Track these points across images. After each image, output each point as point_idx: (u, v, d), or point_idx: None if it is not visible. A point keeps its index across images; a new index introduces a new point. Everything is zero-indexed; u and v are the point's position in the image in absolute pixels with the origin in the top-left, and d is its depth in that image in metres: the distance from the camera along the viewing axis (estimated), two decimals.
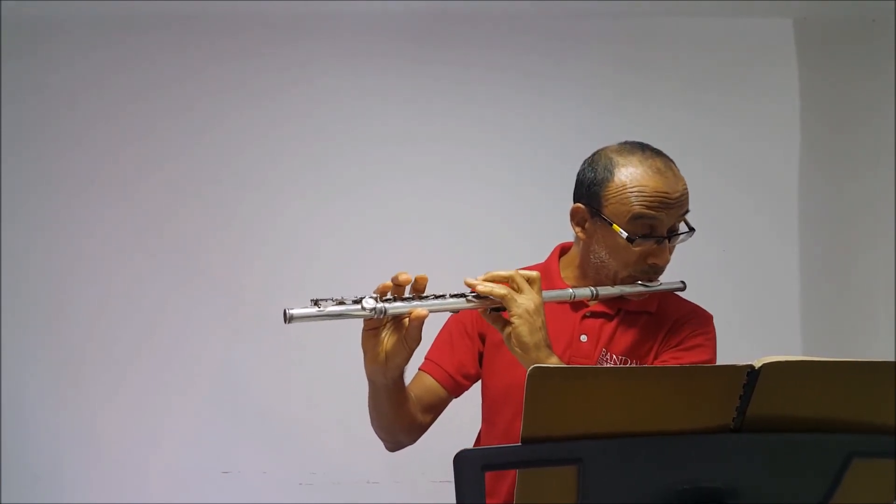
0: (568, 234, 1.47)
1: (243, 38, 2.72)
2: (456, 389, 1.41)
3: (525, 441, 0.90)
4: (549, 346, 1.18)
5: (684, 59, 2.78)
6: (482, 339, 1.42)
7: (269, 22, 2.71)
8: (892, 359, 0.92)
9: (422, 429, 1.37)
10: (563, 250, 1.48)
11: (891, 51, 2.65)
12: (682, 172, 2.84)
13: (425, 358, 1.42)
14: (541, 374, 0.88)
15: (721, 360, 0.91)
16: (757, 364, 0.89)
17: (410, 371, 1.32)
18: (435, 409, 1.39)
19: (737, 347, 2.60)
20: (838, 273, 2.76)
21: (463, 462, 0.89)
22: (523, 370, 1.30)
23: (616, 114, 2.76)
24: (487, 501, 0.91)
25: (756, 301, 2.75)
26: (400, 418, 1.31)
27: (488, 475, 0.89)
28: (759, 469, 0.94)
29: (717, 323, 2.71)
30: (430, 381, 1.39)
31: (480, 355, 1.42)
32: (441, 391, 1.39)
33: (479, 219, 2.64)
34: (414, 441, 1.38)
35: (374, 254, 2.57)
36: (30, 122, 2.68)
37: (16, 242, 2.67)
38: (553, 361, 1.18)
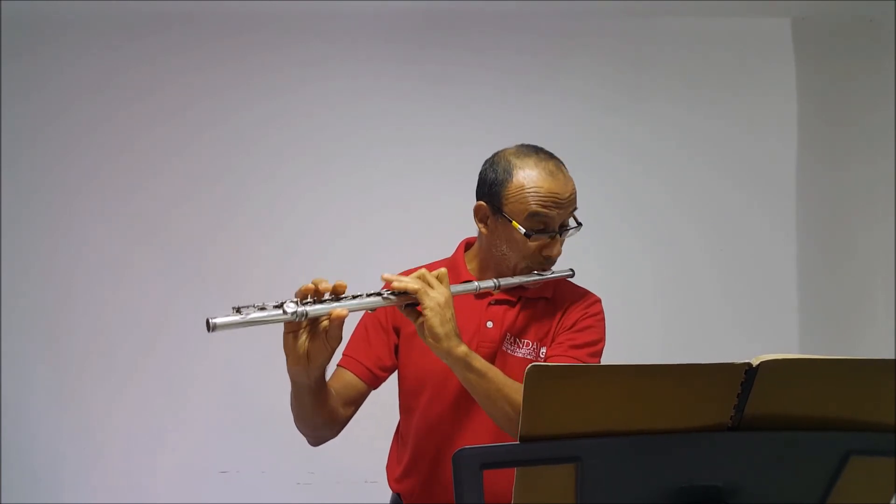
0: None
1: (243, 38, 2.72)
2: (374, 382, 1.48)
3: (523, 440, 0.90)
4: (458, 336, 1.28)
5: (684, 57, 2.79)
6: (397, 332, 1.50)
7: (270, 22, 2.71)
8: (891, 355, 0.92)
9: (343, 422, 1.43)
10: (468, 245, 1.58)
11: (888, 50, 2.66)
12: (682, 169, 2.87)
13: (343, 354, 1.49)
14: (539, 373, 0.88)
15: (719, 357, 0.90)
16: (755, 362, 0.89)
17: (329, 368, 1.36)
18: (355, 402, 1.46)
19: (735, 345, 2.62)
20: (836, 269, 2.77)
21: (461, 461, 0.89)
22: (436, 358, 1.34)
23: (616, 112, 2.77)
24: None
25: (754, 298, 2.76)
26: (323, 414, 1.36)
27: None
28: (758, 467, 0.94)
29: (715, 320, 2.73)
30: (349, 375, 1.46)
31: (396, 348, 1.50)
32: (360, 384, 1.46)
33: None
34: (336, 435, 1.43)
35: (377, 253, 2.57)
36: (30, 121, 2.68)
37: (17, 242, 2.67)
38: (461, 350, 1.27)
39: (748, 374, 0.90)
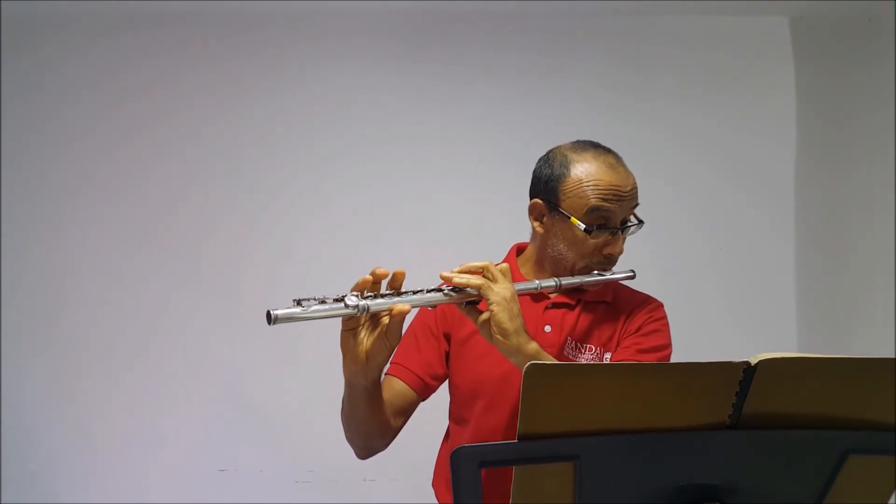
0: None
1: (242, 38, 2.72)
2: (425, 391, 1.42)
3: (522, 438, 0.89)
4: (527, 332, 1.21)
5: (682, 56, 2.79)
6: (447, 338, 1.43)
7: (270, 21, 2.71)
8: (891, 354, 0.93)
9: (394, 433, 1.37)
10: (520, 249, 1.52)
11: (888, 49, 2.65)
12: (680, 169, 2.87)
13: (391, 362, 1.40)
14: (538, 372, 0.88)
15: (717, 356, 0.90)
16: (753, 361, 0.89)
17: None
18: (405, 412, 1.39)
19: (733, 344, 2.62)
20: (835, 269, 2.77)
21: (460, 459, 0.89)
22: (491, 364, 1.31)
23: (615, 111, 2.76)
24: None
25: (752, 297, 2.76)
26: (376, 421, 1.30)
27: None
28: (756, 466, 0.94)
29: (714, 319, 2.74)
30: (399, 384, 1.39)
31: (446, 356, 1.44)
32: (411, 394, 1.39)
33: (479, 217, 2.63)
34: (386, 446, 1.37)
35: (375, 253, 2.56)
36: (30, 120, 2.68)
37: (15, 241, 2.66)
38: (532, 347, 1.20)
39: (746, 373, 0.89)
